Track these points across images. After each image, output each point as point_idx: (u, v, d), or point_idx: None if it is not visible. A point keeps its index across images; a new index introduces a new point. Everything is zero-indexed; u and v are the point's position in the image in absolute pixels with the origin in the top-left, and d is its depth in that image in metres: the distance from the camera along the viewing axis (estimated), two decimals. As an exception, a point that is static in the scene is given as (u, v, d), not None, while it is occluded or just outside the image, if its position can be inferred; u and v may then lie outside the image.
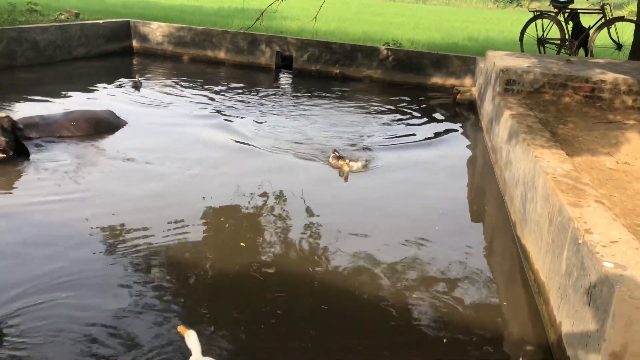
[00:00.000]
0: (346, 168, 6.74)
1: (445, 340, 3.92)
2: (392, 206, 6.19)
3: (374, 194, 6.51)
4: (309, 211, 5.87)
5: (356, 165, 6.90)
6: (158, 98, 10.35)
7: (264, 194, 6.25)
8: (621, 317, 2.82)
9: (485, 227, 5.92)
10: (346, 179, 6.55)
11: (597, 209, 3.91)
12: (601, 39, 11.75)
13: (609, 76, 7.94)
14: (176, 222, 5.39)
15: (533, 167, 5.05)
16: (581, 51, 11.78)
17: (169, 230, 5.23)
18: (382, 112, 10.40)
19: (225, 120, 9.14)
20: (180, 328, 3.35)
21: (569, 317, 3.52)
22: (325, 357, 3.69)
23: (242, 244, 5.12)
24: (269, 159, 7.38)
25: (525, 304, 4.47)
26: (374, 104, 11.11)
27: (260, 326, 3.93)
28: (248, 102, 10.50)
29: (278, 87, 12.59)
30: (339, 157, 7.00)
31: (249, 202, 6.01)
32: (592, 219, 3.72)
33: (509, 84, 8.15)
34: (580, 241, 3.46)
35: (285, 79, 13.32)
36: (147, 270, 4.57)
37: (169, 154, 7.24)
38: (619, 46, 11.60)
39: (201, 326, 3.81)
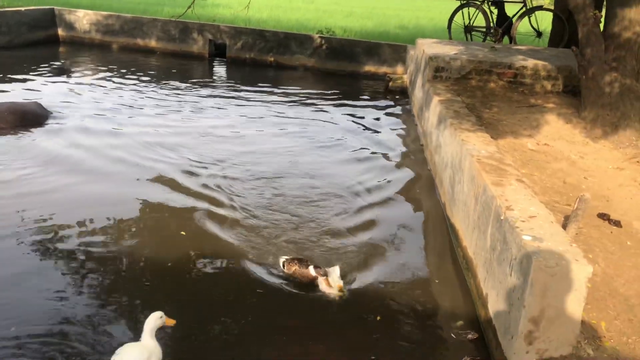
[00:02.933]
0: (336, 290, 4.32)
1: (379, 318, 4.11)
2: (328, 188, 6.34)
3: (315, 181, 6.64)
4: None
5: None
6: (85, 89, 10.06)
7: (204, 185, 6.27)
8: (538, 285, 3.07)
9: (417, 209, 6.15)
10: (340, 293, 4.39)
11: (518, 187, 4.18)
12: (523, 27, 12.30)
13: (530, 62, 8.36)
14: (109, 218, 5.34)
15: (460, 150, 5.30)
16: (505, 39, 12.29)
17: (101, 224, 5.18)
18: (316, 101, 10.53)
19: (157, 113, 9.01)
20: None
21: (494, 288, 3.77)
22: (262, 337, 3.79)
23: (182, 232, 5.14)
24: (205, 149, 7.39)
25: (455, 279, 4.72)
26: (307, 92, 11.22)
27: (200, 310, 3.99)
28: (178, 94, 10.35)
29: (211, 76, 12.49)
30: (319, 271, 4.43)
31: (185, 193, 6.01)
32: (513, 196, 3.98)
33: (438, 70, 8.44)
34: (502, 217, 3.71)
35: (219, 68, 13.21)
36: (82, 264, 4.52)
37: (98, 146, 7.12)
38: (539, 34, 12.19)
39: (143, 312, 3.83)
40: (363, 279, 4.60)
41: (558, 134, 6.54)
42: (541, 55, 9.11)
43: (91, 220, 5.20)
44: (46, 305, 3.91)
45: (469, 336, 3.87)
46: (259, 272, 4.58)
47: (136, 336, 3.45)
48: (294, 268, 4.43)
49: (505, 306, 3.47)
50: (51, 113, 8.08)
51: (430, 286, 4.62)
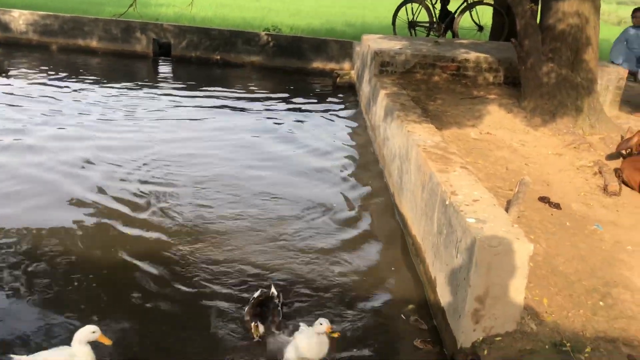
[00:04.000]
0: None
1: (332, 305, 4.16)
2: (278, 186, 6.35)
3: (267, 178, 6.64)
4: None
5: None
6: (19, 92, 9.70)
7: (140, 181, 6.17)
8: (482, 265, 3.18)
9: (367, 201, 6.23)
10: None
11: (462, 173, 4.31)
12: (465, 21, 12.61)
13: (472, 55, 8.59)
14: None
15: (407, 141, 5.41)
16: (449, 33, 12.58)
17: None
18: (265, 98, 10.51)
19: (100, 114, 8.81)
20: None
21: (441, 271, 3.88)
22: (195, 320, 3.79)
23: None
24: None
25: (405, 266, 4.82)
26: (255, 90, 11.19)
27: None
28: (122, 94, 10.13)
29: (156, 76, 12.29)
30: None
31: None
32: (457, 182, 4.10)
33: (383, 65, 8.57)
34: (447, 202, 3.82)
35: (163, 67, 13.00)
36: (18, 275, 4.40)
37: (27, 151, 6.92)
38: (480, 28, 12.53)
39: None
40: (314, 268, 4.65)
41: (500, 124, 6.75)
42: (483, 48, 9.37)
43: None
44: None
45: (421, 326, 3.93)
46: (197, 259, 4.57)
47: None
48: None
49: (452, 287, 3.57)
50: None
51: (381, 274, 4.70)
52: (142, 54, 13.44)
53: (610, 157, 5.98)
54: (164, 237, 4.99)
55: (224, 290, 4.25)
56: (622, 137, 6.15)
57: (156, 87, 10.79)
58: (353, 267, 4.74)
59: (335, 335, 2.86)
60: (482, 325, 3.27)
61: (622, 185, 5.23)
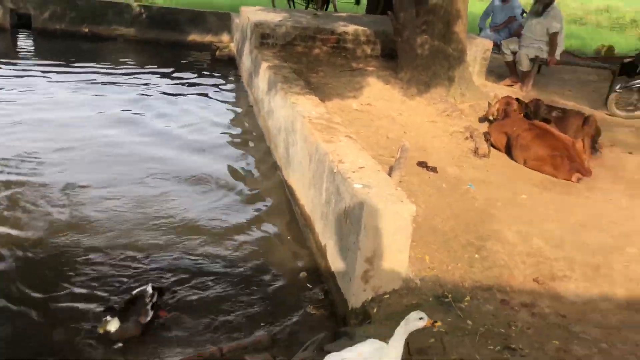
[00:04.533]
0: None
1: (226, 282, 4.16)
2: (161, 163, 6.16)
3: (147, 156, 6.39)
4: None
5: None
6: None
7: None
8: (370, 227, 3.32)
9: (254, 175, 6.23)
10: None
11: (347, 143, 4.44)
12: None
13: (351, 28, 8.77)
14: None
15: (292, 113, 5.46)
16: (331, 7, 12.73)
17: None
18: (140, 73, 10.04)
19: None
20: None
21: (331, 238, 4.00)
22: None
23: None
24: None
25: (295, 237, 4.90)
26: (130, 64, 10.66)
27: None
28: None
29: (15, 50, 11.30)
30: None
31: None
32: (343, 151, 4.22)
33: (264, 37, 8.51)
34: (335, 170, 3.93)
35: (24, 41, 11.96)
36: None
37: None
38: (357, 1, 12.83)
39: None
40: (204, 249, 4.60)
41: (379, 94, 7.00)
42: (360, 21, 9.59)
43: None
44: None
45: (312, 312, 3.98)
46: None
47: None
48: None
49: (342, 252, 3.71)
50: None
51: (271, 247, 4.75)
52: (-1, 26, 12.27)
53: (479, 122, 6.44)
54: (32, 225, 4.67)
55: (96, 286, 4.02)
56: (489, 104, 6.63)
57: (16, 63, 9.91)
58: (243, 243, 4.74)
59: (438, 324, 2.59)
60: (371, 285, 3.44)
61: (491, 148, 5.67)
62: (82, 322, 3.63)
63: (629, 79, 7.85)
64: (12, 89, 8.32)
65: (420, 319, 2.52)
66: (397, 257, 3.41)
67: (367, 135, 5.65)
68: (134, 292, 3.73)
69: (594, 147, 5.86)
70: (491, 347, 2.97)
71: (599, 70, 9.52)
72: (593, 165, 5.45)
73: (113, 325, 3.41)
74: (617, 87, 7.41)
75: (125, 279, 4.09)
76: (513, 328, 3.14)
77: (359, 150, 4.32)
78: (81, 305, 3.78)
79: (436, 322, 2.59)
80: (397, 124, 6.15)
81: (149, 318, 3.55)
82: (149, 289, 3.69)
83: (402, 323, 2.54)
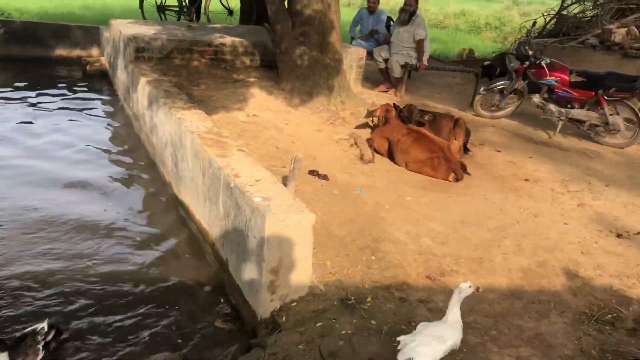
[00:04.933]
0: None
1: (129, 309, 4.03)
2: (39, 184, 5.77)
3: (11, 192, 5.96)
4: None
5: None
6: None
7: None
8: (273, 239, 3.40)
9: (144, 192, 6.05)
10: None
11: (240, 156, 4.48)
12: (214, 5, 12.78)
13: (228, 39, 8.78)
14: None
15: (179, 128, 5.39)
16: (201, 17, 12.61)
17: None
18: (6, 90, 9.33)
19: None
20: None
21: (233, 252, 4.02)
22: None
23: None
24: None
25: (194, 252, 4.84)
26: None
27: None
28: None
29: None
30: None
31: None
32: (237, 165, 4.25)
33: (139, 51, 8.27)
34: (232, 185, 3.96)
35: None
36: None
37: None
38: (230, 12, 12.84)
39: None
40: (98, 280, 4.39)
41: (264, 105, 7.09)
42: (236, 32, 9.62)
43: None
44: None
45: (223, 310, 3.98)
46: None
47: None
48: None
49: (246, 264, 3.74)
50: None
51: (171, 266, 4.65)
52: None
53: (360, 128, 6.76)
54: None
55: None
56: (368, 111, 6.96)
57: None
58: (141, 264, 4.60)
59: (481, 290, 3.26)
60: (278, 295, 3.51)
61: (375, 153, 5.97)
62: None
63: (490, 81, 8.61)
64: None
65: (470, 287, 3.06)
66: (302, 266, 3.52)
67: (257, 147, 5.71)
68: (27, 329, 3.48)
69: (466, 148, 6.38)
70: (395, 344, 3.15)
71: (462, 73, 10.34)
72: (467, 165, 5.92)
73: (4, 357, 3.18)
74: (481, 89, 8.11)
75: (18, 311, 3.82)
76: (413, 324, 3.36)
77: (253, 163, 4.38)
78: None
79: (479, 288, 3.20)
80: (284, 134, 6.28)
81: (39, 358, 3.34)
82: (45, 325, 3.46)
83: (455, 292, 3.05)
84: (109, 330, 3.74)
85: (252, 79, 8.05)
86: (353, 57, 8.97)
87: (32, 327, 3.48)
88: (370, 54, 9.56)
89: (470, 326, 3.39)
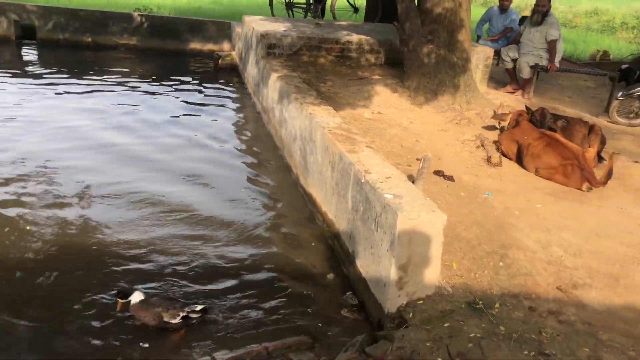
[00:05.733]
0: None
1: (255, 288, 4.27)
2: (171, 169, 6.27)
3: (156, 167, 6.49)
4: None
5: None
6: None
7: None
8: (404, 236, 3.46)
9: (270, 182, 6.34)
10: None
11: (369, 152, 4.58)
12: (341, 3, 13.01)
13: (354, 37, 8.93)
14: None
15: (309, 123, 5.59)
16: (328, 14, 12.89)
17: None
18: (143, 83, 10.12)
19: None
20: None
21: (360, 245, 4.13)
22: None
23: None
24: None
25: (319, 242, 5.01)
26: (132, 74, 10.74)
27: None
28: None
29: (20, 61, 11.34)
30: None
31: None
32: (367, 161, 4.35)
33: (270, 47, 8.64)
34: (362, 180, 4.06)
35: (29, 51, 12.01)
36: None
37: None
38: (356, 9, 13.01)
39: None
40: (232, 252, 4.71)
41: (388, 103, 7.16)
42: (362, 30, 9.76)
43: None
44: None
45: (346, 315, 4.10)
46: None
47: None
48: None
49: (374, 259, 3.84)
50: None
51: (297, 251, 4.86)
52: (3, 37, 12.28)
53: (486, 129, 6.62)
54: (46, 224, 4.83)
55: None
56: (494, 112, 6.79)
57: (21, 74, 9.97)
58: (268, 249, 4.85)
59: None
60: (405, 291, 3.57)
61: (502, 157, 5.83)
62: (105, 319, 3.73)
63: (628, 85, 8.07)
64: (19, 98, 8.38)
65: None
66: (430, 265, 3.55)
67: (382, 144, 5.79)
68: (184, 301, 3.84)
69: (600, 156, 6.04)
70: (526, 352, 3.10)
71: (595, 76, 9.76)
72: (600, 175, 5.61)
73: (139, 296, 3.67)
74: (619, 94, 7.62)
75: (138, 279, 4.20)
76: (544, 334, 3.27)
77: (383, 160, 4.46)
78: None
79: None
80: (409, 132, 6.30)
81: (173, 320, 3.66)
82: (199, 307, 3.76)
83: None
84: (240, 312, 3.97)
85: (376, 77, 8.14)
86: (480, 56, 8.78)
87: (189, 302, 3.83)
88: (496, 53, 9.31)
89: (606, 344, 3.25)
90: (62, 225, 4.87)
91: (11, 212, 5.00)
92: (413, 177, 4.69)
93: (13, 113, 7.64)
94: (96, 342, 3.56)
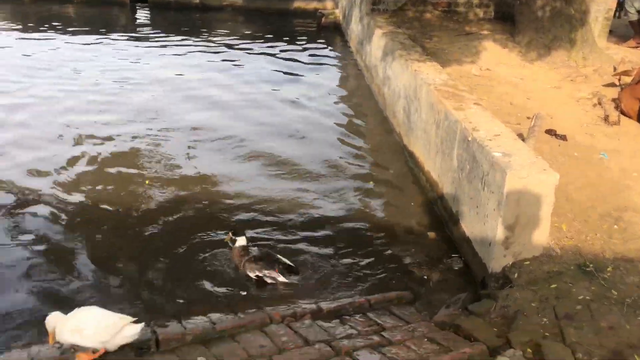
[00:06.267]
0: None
1: (354, 238, 4.38)
2: (275, 125, 6.47)
3: (264, 122, 6.70)
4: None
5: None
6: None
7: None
8: (512, 195, 3.38)
9: (371, 140, 6.38)
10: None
11: (477, 110, 4.46)
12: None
13: (462, -9, 8.59)
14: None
15: (414, 80, 5.51)
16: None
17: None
18: (249, 42, 10.35)
19: (75, 68, 8.65)
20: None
21: (465, 205, 4.08)
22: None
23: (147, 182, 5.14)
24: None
25: (420, 200, 5.02)
26: (238, 34, 11.03)
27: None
28: (102, 43, 9.93)
29: (134, 23, 12.00)
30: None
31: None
32: (475, 118, 4.25)
33: (375, 3, 8.52)
34: (469, 138, 3.98)
35: (141, 13, 12.66)
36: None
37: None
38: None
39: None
40: (332, 209, 4.83)
41: (497, 59, 6.87)
42: (470, -17, 9.33)
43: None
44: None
45: (454, 266, 4.12)
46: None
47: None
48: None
49: (479, 219, 3.79)
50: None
51: (397, 208, 4.91)
52: (118, 0, 13.02)
53: (605, 86, 6.19)
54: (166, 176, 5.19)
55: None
56: (614, 68, 6.33)
57: (136, 36, 10.54)
58: (370, 209, 4.92)
59: None
60: (511, 251, 3.51)
61: (621, 115, 5.45)
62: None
63: None
64: (134, 58, 8.92)
65: None
66: (539, 226, 3.46)
67: (490, 102, 5.60)
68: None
69: None
70: (640, 319, 2.97)
71: None
72: None
73: (242, 241, 3.91)
74: None
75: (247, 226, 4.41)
76: (661, 300, 3.12)
77: (491, 117, 4.33)
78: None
79: None
80: (519, 89, 6.04)
81: (269, 271, 3.84)
82: (291, 264, 3.92)
83: None
84: (341, 266, 4.08)
85: (484, 32, 7.82)
86: (600, 8, 8.13)
87: (281, 260, 3.96)
88: (619, 4, 8.59)
89: None
90: (176, 178, 5.21)
91: (129, 165, 5.42)
92: (523, 136, 4.52)
93: (128, 74, 8.16)
94: (208, 285, 3.81)
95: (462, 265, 4.04)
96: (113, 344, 2.80)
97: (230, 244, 4.03)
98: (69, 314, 2.82)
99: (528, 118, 5.10)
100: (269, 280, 3.84)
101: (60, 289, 3.68)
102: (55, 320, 2.77)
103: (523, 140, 4.29)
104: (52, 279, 3.77)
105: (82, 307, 2.91)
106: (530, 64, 6.77)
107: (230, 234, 4.03)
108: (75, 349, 2.84)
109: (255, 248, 4.04)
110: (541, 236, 3.50)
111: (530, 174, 3.37)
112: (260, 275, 3.85)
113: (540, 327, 2.95)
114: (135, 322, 2.84)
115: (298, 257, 4.12)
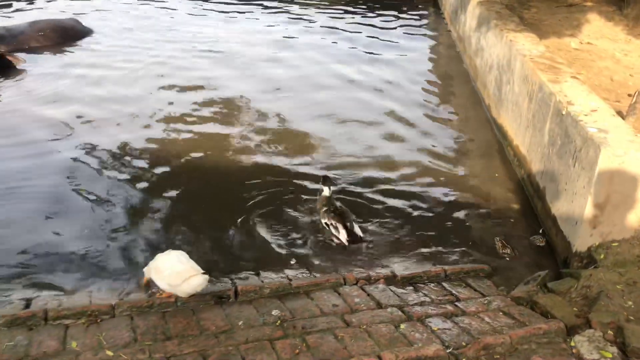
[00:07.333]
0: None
1: (434, 210, 4.36)
2: (369, 106, 6.44)
3: (353, 90, 6.73)
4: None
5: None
6: (119, 6, 9.95)
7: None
8: (605, 173, 3.23)
9: (459, 113, 6.24)
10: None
11: (574, 83, 4.26)
12: None
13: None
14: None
15: (508, 51, 5.32)
16: None
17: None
18: (339, 11, 10.27)
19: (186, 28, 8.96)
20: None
21: (553, 181, 3.95)
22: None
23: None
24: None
25: (505, 176, 4.90)
26: (329, 3, 10.96)
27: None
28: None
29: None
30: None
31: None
32: (571, 92, 4.07)
33: (472, -29, 8.21)
34: (563, 112, 3.82)
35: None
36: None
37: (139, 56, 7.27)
38: None
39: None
40: (415, 180, 4.82)
41: (600, 33, 6.48)
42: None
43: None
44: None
45: (537, 242, 4.02)
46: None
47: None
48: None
49: (567, 196, 3.66)
50: (90, 29, 8.07)
51: (481, 181, 4.82)
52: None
53: None
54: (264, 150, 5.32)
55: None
56: None
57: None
58: (453, 179, 4.87)
59: None
60: (599, 231, 3.38)
61: None
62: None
63: None
64: (204, 26, 9.09)
65: None
66: (632, 207, 3.29)
67: (589, 77, 5.32)
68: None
69: None
70: None
71: None
72: None
73: (326, 192, 4.12)
74: None
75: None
76: None
77: (589, 91, 4.13)
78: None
79: None
80: (621, 65, 5.69)
81: (339, 229, 3.94)
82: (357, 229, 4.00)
83: None
84: (419, 236, 4.08)
85: (589, 3, 7.36)
86: None
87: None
88: None
89: None
90: (255, 145, 5.38)
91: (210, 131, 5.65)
92: (622, 114, 4.28)
93: (199, 42, 8.30)
94: (287, 243, 3.94)
95: (544, 243, 3.93)
96: (182, 291, 2.97)
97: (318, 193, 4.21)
98: (157, 255, 3.06)
99: (629, 95, 4.80)
100: (332, 231, 3.96)
101: (151, 238, 3.94)
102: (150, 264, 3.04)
103: (622, 118, 4.06)
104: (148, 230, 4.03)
105: (169, 250, 3.12)
106: (637, 38, 6.33)
107: (326, 177, 4.25)
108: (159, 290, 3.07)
109: (339, 203, 4.14)
110: (633, 218, 3.34)
111: (627, 152, 3.21)
112: (329, 224, 3.99)
113: (624, 309, 2.84)
114: (204, 273, 2.98)
115: (377, 219, 4.17)
